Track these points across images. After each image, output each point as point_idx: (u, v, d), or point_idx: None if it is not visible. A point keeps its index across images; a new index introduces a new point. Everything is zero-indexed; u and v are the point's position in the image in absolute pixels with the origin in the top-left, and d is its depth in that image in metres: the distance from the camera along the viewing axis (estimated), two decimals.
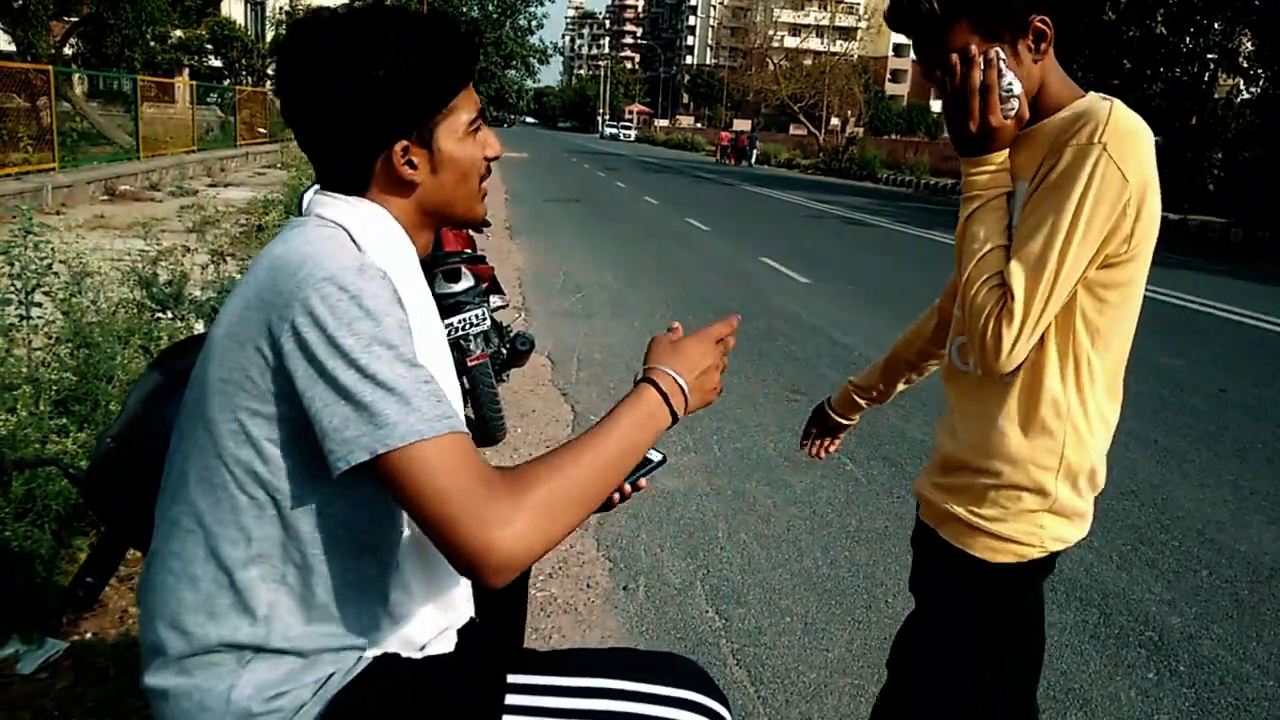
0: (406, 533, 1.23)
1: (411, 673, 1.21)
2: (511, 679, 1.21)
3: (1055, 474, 1.46)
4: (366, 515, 1.16)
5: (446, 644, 1.30)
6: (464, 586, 1.33)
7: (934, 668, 1.61)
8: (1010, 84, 1.37)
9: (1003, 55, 1.36)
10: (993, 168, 1.41)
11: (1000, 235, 1.41)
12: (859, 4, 66.47)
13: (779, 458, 4.67)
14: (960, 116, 1.39)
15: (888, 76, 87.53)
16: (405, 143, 1.20)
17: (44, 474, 2.50)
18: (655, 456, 1.47)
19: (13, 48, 18.31)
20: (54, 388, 2.93)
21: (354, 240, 1.16)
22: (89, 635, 2.60)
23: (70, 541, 2.62)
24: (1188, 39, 24.01)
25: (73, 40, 19.60)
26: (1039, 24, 1.38)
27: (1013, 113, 1.38)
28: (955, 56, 1.36)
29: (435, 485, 1.01)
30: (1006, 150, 1.41)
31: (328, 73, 1.15)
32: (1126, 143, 1.31)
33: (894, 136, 55.41)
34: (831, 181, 35.41)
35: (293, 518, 1.11)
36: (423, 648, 1.26)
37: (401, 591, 1.23)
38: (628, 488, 1.44)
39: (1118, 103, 1.35)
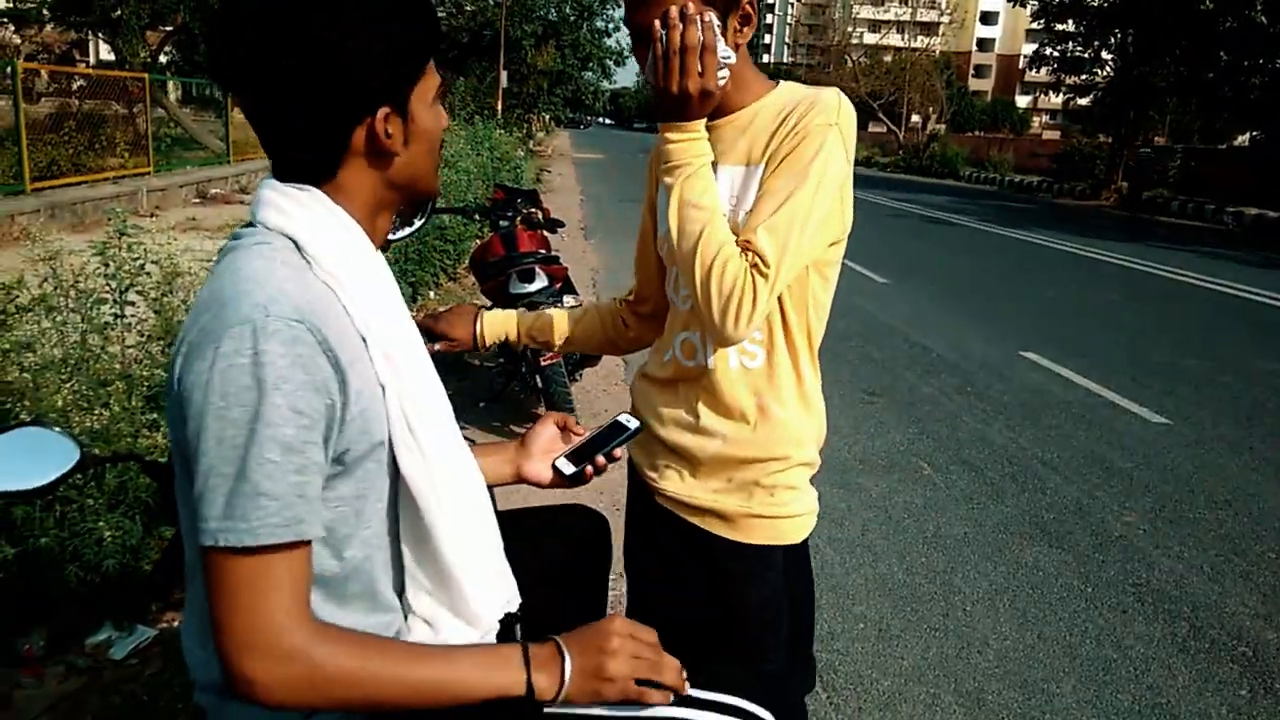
0: (413, 542, 1.20)
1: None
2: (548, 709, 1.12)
3: (817, 445, 1.55)
4: (376, 530, 1.15)
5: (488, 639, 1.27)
6: (497, 583, 1.28)
7: (769, 663, 1.54)
8: (727, 54, 1.35)
9: (717, 21, 1.34)
10: (696, 134, 1.37)
11: (717, 204, 1.37)
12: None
13: (854, 460, 4.60)
14: (665, 75, 1.33)
15: (971, 72, 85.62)
16: (388, 109, 1.10)
17: (134, 467, 2.60)
18: (631, 424, 1.47)
19: (112, 57, 19.10)
20: (145, 384, 3.04)
21: (300, 250, 1.08)
22: (176, 623, 2.69)
23: (158, 531, 2.71)
24: None
25: (167, 49, 20.35)
26: (748, 5, 1.38)
27: (722, 81, 1.35)
28: (672, 10, 1.30)
29: (239, 595, 0.96)
30: (704, 120, 1.37)
31: (306, 30, 1.03)
32: (850, 130, 1.37)
33: (977, 133, 54.20)
34: (912, 179, 34.82)
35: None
36: None
37: (427, 599, 1.21)
38: (601, 459, 1.44)
39: (839, 91, 1.41)
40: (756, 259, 1.30)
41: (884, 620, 3.14)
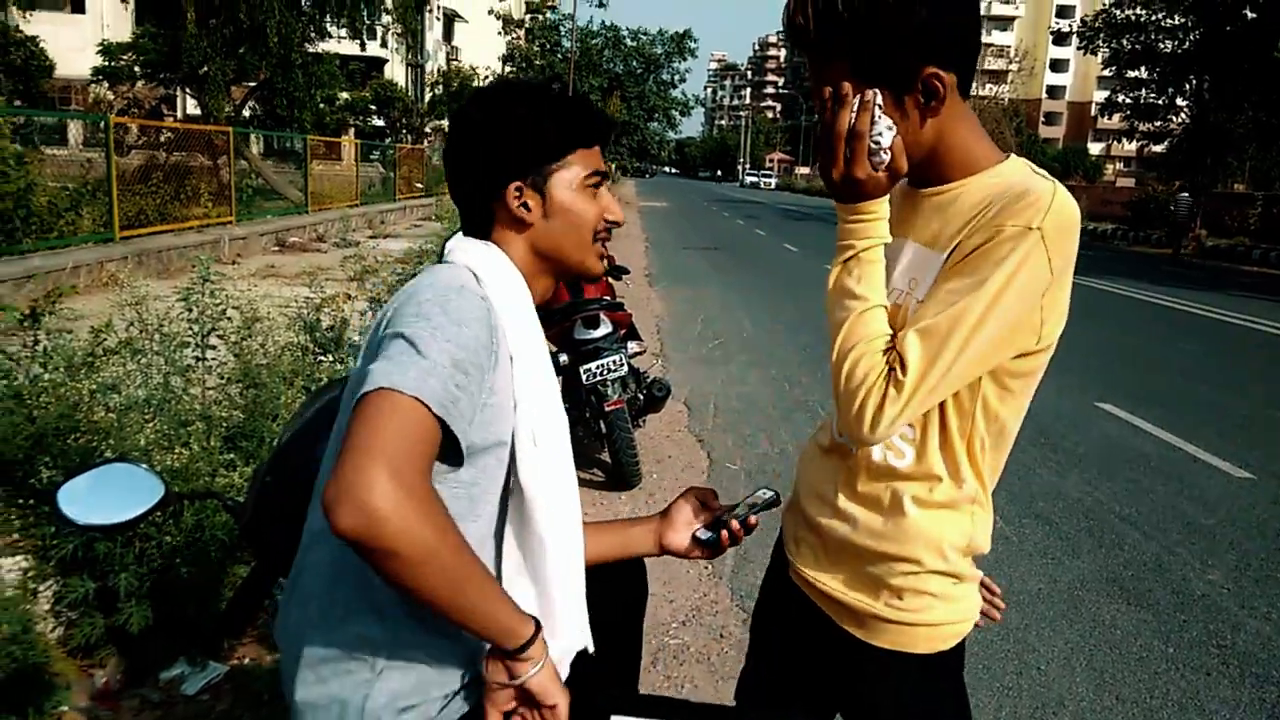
0: (517, 554, 1.31)
1: None
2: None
3: (964, 554, 1.37)
4: (483, 528, 1.27)
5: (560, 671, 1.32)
6: (578, 615, 1.37)
7: None
8: (880, 135, 1.24)
9: (879, 100, 1.23)
10: (868, 217, 1.27)
11: (879, 293, 1.27)
12: (1009, 47, 64.86)
13: None
14: (825, 160, 1.27)
15: (1041, 119, 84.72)
16: (519, 183, 1.36)
17: (211, 505, 2.67)
18: (768, 494, 1.52)
19: (198, 111, 19.95)
20: (224, 425, 3.13)
21: (477, 278, 1.30)
22: (247, 660, 2.74)
23: (233, 570, 2.77)
24: None
25: (251, 103, 21.19)
26: (931, 79, 1.22)
27: (881, 166, 1.25)
28: (826, 91, 1.24)
29: (388, 426, 1.05)
30: (884, 200, 1.28)
31: (468, 127, 1.38)
32: (1063, 235, 1.21)
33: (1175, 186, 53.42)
34: None
35: None
36: None
37: None
38: (736, 525, 1.50)
39: (1059, 186, 1.24)
40: (897, 364, 1.21)
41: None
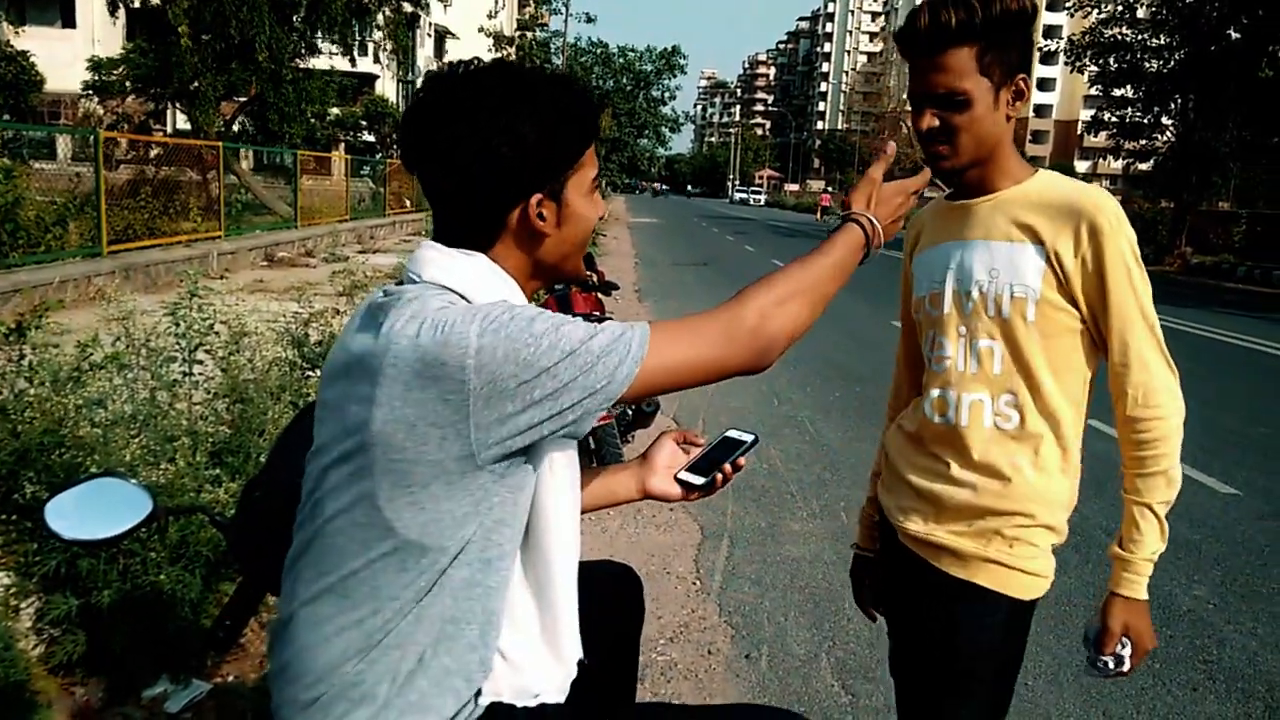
0: (519, 569, 1.27)
1: None
2: None
3: (1066, 511, 1.64)
4: (492, 569, 1.20)
5: (559, 694, 1.31)
6: (573, 635, 1.34)
7: (964, 709, 1.63)
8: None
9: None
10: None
11: None
12: None
13: None
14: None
15: (1028, 138, 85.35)
16: (540, 195, 1.25)
17: (196, 521, 2.65)
18: (747, 437, 1.55)
19: (188, 126, 19.94)
20: (210, 440, 3.12)
21: (466, 300, 1.21)
22: (231, 678, 2.72)
23: (218, 586, 2.76)
24: None
25: (241, 118, 21.19)
26: (1022, 82, 1.52)
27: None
28: (962, 85, 1.48)
29: (686, 354, 1.19)
30: None
31: (476, 126, 1.20)
32: (1125, 222, 1.56)
33: None
34: None
35: (431, 572, 1.16)
36: (536, 696, 1.27)
37: (519, 637, 1.25)
38: (728, 468, 1.50)
39: (1102, 190, 1.57)
40: (1158, 411, 1.55)
41: None
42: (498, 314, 1.13)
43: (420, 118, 1.24)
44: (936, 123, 1.51)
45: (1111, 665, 1.58)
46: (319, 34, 19.94)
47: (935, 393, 1.62)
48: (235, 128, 20.99)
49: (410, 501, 1.13)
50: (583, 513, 1.45)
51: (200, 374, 3.52)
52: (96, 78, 20.03)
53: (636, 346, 1.15)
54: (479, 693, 1.21)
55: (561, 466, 1.28)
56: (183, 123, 21.77)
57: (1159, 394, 1.53)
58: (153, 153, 15.13)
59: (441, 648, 1.18)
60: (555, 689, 1.30)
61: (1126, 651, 1.58)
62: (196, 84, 18.02)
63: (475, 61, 1.25)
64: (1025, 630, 1.65)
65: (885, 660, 3.21)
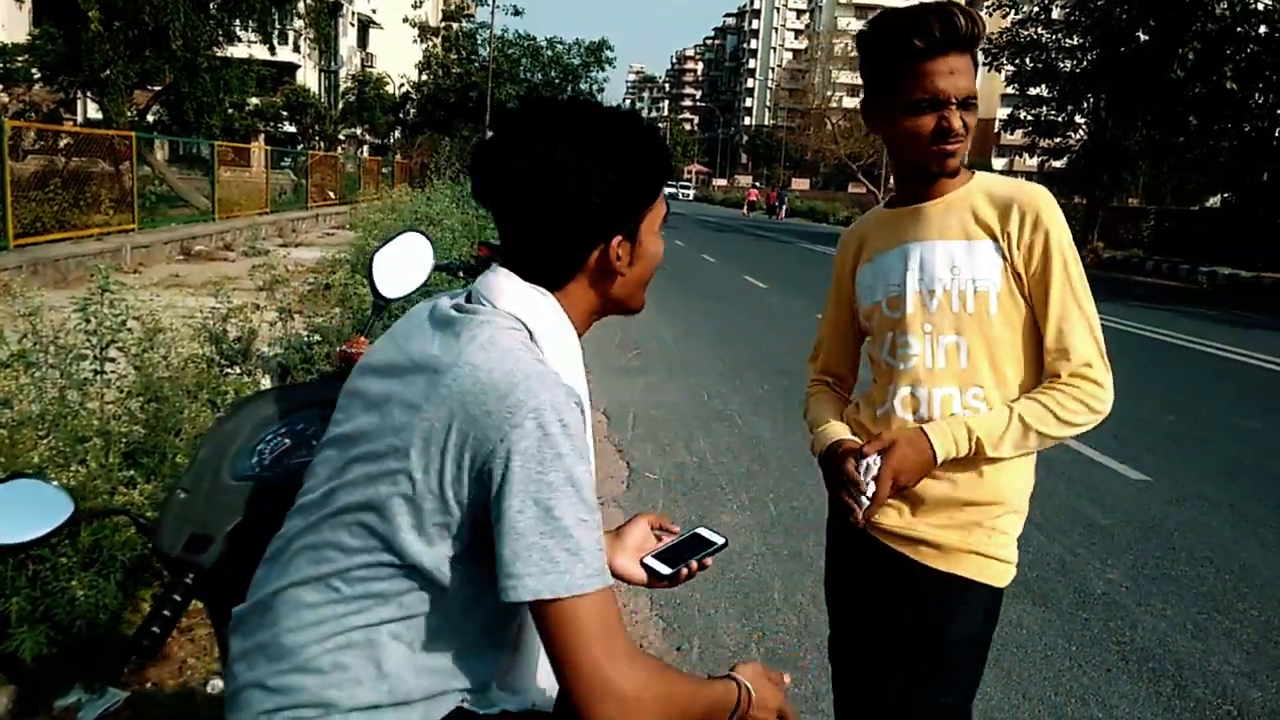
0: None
1: None
2: None
3: (1029, 494, 1.71)
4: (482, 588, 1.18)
5: (519, 704, 1.31)
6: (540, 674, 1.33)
7: (944, 696, 1.68)
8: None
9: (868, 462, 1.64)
10: (961, 450, 1.61)
11: (1025, 421, 1.62)
12: None
13: None
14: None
15: None
16: (620, 236, 1.25)
17: (111, 524, 2.56)
18: (718, 539, 1.54)
19: (100, 115, 19.23)
20: (124, 440, 3.01)
21: (533, 338, 1.21)
22: (149, 685, 2.63)
23: (135, 592, 2.67)
24: (1258, 94, 23.60)
25: (155, 108, 20.51)
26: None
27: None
28: (972, 91, 1.59)
29: (582, 638, 1.08)
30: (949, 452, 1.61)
31: (558, 166, 1.19)
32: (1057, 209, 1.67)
33: None
34: None
35: (425, 588, 1.16)
36: (494, 705, 1.26)
37: (490, 650, 1.25)
38: (695, 564, 1.51)
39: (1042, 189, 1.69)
40: (1082, 374, 1.60)
41: None
42: (557, 434, 1.10)
43: (498, 152, 1.23)
44: (961, 124, 1.59)
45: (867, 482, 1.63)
46: (237, 21, 19.40)
47: (904, 390, 1.66)
48: (150, 118, 20.32)
49: (415, 525, 1.13)
50: None
51: (113, 372, 3.40)
52: (1, 65, 19.18)
53: (572, 584, 1.08)
54: (449, 695, 1.20)
55: None
56: (94, 112, 20.97)
57: (1088, 387, 1.60)
58: (62, 143, 14.54)
59: (424, 650, 1.17)
60: (517, 700, 1.29)
61: (871, 475, 1.62)
62: (108, 72, 17.37)
63: (555, 95, 1.25)
64: (996, 618, 1.71)
65: (813, 649, 3.26)
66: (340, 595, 1.16)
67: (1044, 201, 1.62)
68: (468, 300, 1.26)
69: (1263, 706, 3.07)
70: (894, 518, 1.67)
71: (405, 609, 1.16)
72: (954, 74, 1.56)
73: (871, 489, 1.61)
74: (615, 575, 1.50)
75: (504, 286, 1.24)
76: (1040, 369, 1.65)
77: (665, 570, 1.51)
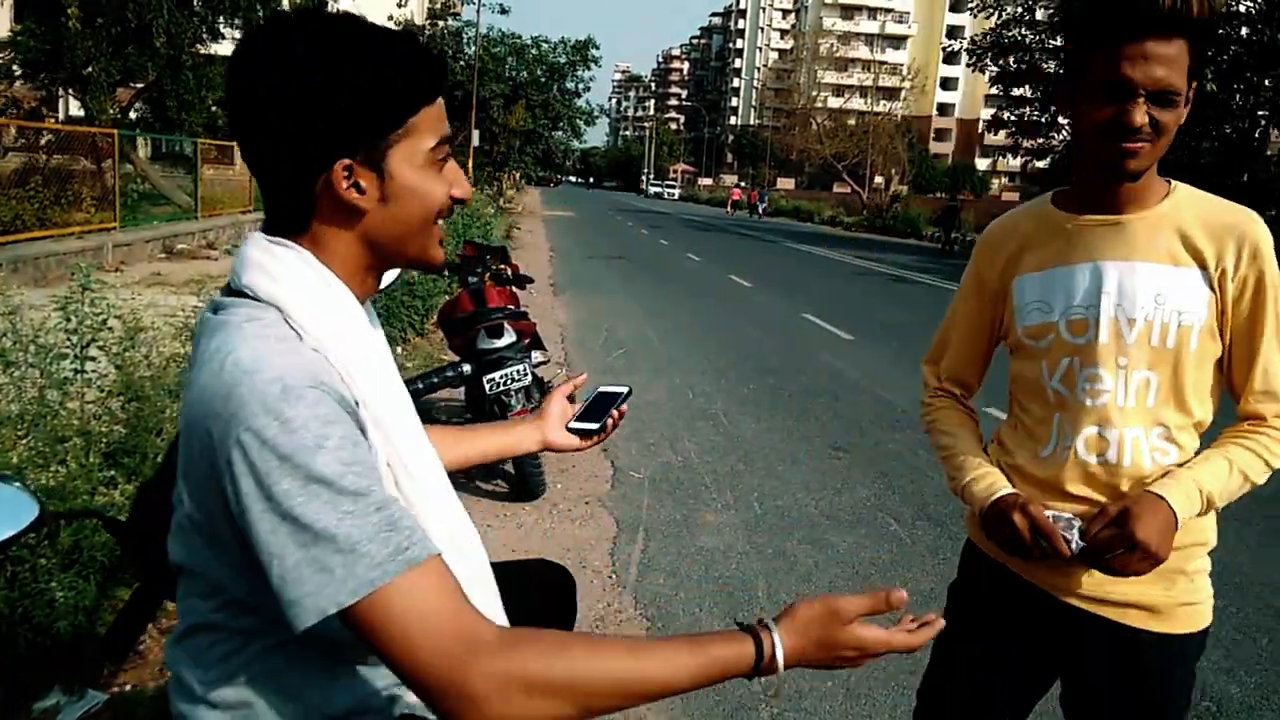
0: None
1: None
2: None
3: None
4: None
5: None
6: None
7: None
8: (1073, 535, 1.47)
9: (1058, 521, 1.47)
10: (1197, 506, 1.46)
11: (1237, 470, 1.50)
12: (902, 65, 67.00)
13: (821, 516, 4.60)
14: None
15: (932, 135, 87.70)
16: (349, 161, 1.06)
17: (90, 525, 2.54)
18: (622, 389, 1.69)
19: (82, 113, 19.07)
20: (104, 440, 2.99)
21: (289, 321, 1.05)
22: (128, 687, 2.61)
23: (113, 592, 2.65)
24: (1238, 96, 23.80)
25: (138, 105, 20.35)
26: (1192, 91, 1.43)
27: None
28: (1181, 85, 1.38)
29: (403, 634, 0.94)
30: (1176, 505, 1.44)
31: (267, 80, 1.04)
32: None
33: (939, 194, 55.35)
34: (875, 239, 35.36)
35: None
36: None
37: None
38: (615, 414, 1.65)
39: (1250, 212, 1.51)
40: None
41: (852, 678, 3.12)
42: (279, 435, 0.94)
43: (229, 74, 1.07)
44: (1147, 119, 1.37)
45: (1073, 534, 1.44)
46: (221, 18, 19.27)
47: (1090, 430, 1.49)
48: (132, 115, 20.16)
49: (215, 560, 1.08)
50: (490, 461, 1.51)
51: (93, 371, 3.37)
52: None
53: (358, 584, 0.93)
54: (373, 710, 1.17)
55: (419, 467, 1.16)
56: (76, 109, 20.79)
57: None
58: (43, 140, 14.43)
59: (317, 671, 1.12)
60: None
61: (1074, 534, 1.44)
62: (90, 69, 17.24)
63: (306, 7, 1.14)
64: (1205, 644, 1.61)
65: None
66: (220, 632, 1.09)
67: (1262, 232, 1.45)
68: (228, 287, 1.13)
69: (1241, 702, 3.10)
70: (1085, 581, 1.51)
71: (274, 636, 1.06)
72: (1148, 60, 1.34)
73: (1075, 539, 1.43)
74: (550, 447, 1.63)
75: (251, 258, 1.10)
76: (1215, 400, 1.51)
77: (593, 426, 1.63)
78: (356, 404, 1.05)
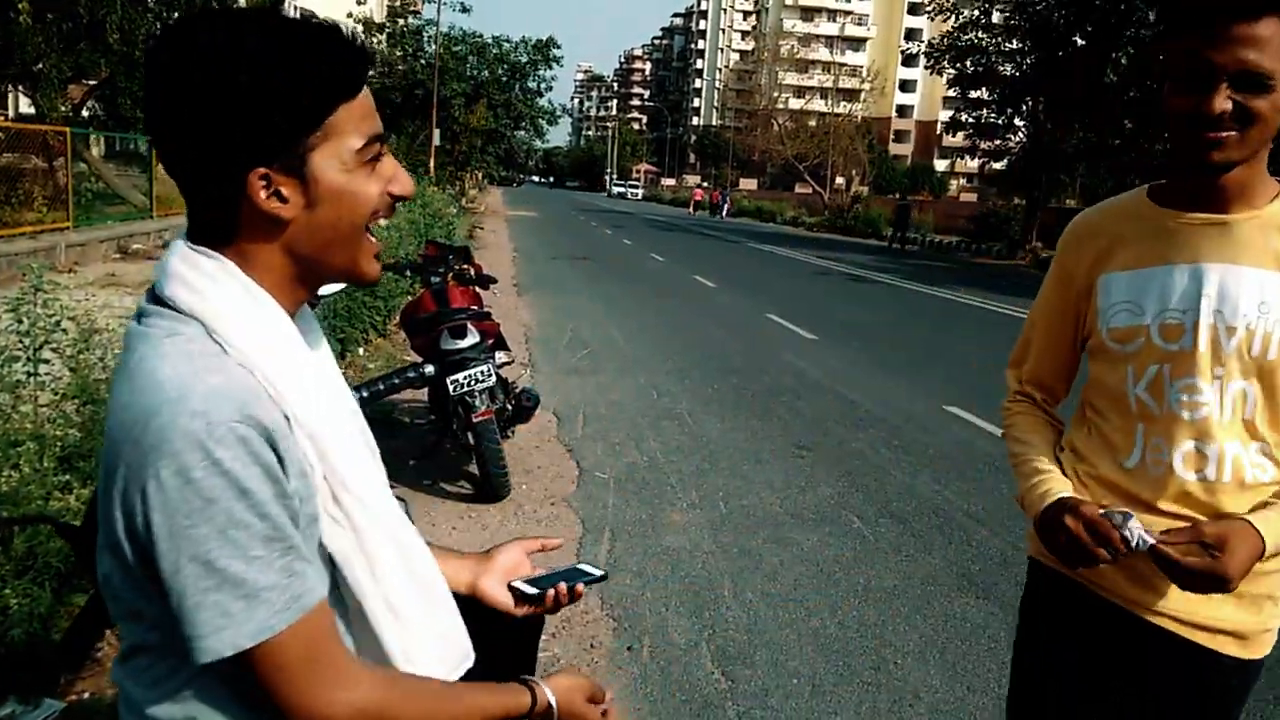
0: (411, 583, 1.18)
1: None
2: None
3: None
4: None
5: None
6: (452, 633, 1.26)
7: None
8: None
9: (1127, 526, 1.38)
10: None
11: None
12: (862, 67, 67.58)
13: (785, 514, 4.63)
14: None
15: (891, 137, 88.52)
16: (264, 169, 0.99)
17: (45, 531, 2.49)
18: (596, 572, 1.49)
19: (32, 110, 18.67)
20: (59, 444, 2.93)
21: (213, 335, 1.00)
22: (86, 695, 2.56)
23: (69, 599, 2.60)
24: None
25: (90, 103, 19.96)
26: None
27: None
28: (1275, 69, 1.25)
29: (284, 681, 1.00)
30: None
31: (174, 82, 0.97)
32: None
33: (898, 195, 55.98)
34: (836, 239, 35.64)
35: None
36: None
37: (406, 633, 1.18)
38: (563, 587, 1.43)
39: None
40: None
41: (817, 675, 3.15)
42: (204, 464, 0.92)
43: (145, 76, 1.01)
44: (1230, 105, 1.27)
45: (1132, 531, 1.36)
46: (175, 15, 18.97)
47: (1188, 445, 1.40)
48: (85, 113, 19.77)
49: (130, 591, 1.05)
50: None
51: (47, 374, 3.31)
52: None
53: (257, 629, 0.96)
54: None
55: (357, 480, 1.12)
56: (26, 107, 20.35)
57: None
58: None
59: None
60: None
61: (1141, 532, 1.35)
62: (40, 66, 16.88)
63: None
64: None
65: (763, 646, 3.29)
66: (155, 653, 1.07)
67: None
68: (152, 293, 1.06)
69: None
70: (1179, 602, 1.43)
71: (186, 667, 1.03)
72: (1232, 42, 1.25)
73: (1138, 535, 1.35)
74: (478, 596, 1.41)
75: (173, 269, 1.04)
76: None
77: (532, 591, 1.41)
78: (288, 419, 1.02)
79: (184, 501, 0.92)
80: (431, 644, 1.22)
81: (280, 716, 1.03)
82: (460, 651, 1.28)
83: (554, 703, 1.22)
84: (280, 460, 0.99)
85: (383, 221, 1.11)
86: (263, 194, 1.00)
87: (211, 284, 1.03)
